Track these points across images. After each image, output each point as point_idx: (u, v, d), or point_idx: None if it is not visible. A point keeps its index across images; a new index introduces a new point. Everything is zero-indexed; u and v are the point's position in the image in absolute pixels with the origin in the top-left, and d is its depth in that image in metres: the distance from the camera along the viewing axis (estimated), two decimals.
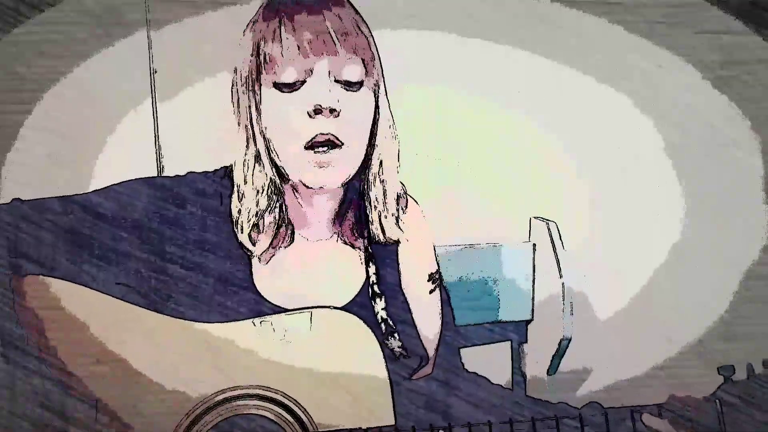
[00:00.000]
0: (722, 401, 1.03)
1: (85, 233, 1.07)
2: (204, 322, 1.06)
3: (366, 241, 1.12)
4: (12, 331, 1.04)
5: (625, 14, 1.24)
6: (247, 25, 1.08)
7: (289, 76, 1.04)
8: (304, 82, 1.04)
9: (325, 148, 1.04)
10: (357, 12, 1.09)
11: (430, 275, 1.16)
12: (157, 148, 1.16)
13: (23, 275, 1.05)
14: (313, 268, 1.11)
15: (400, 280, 1.13)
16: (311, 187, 1.07)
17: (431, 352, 1.13)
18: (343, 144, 1.05)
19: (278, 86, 1.05)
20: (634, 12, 1.24)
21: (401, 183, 1.14)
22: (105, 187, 1.09)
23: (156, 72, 1.16)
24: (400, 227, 1.12)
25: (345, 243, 1.12)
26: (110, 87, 1.15)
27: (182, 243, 1.08)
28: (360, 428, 1.03)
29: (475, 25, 1.21)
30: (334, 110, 1.04)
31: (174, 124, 1.16)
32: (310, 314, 1.06)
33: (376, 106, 1.09)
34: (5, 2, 1.15)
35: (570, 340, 1.20)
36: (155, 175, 1.15)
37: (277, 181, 1.07)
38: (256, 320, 1.06)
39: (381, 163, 1.10)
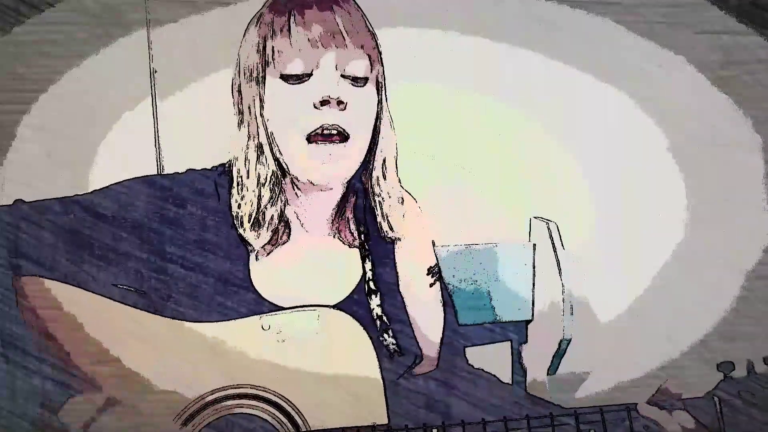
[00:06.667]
0: (721, 399, 1.02)
1: (85, 233, 1.07)
2: (204, 322, 1.06)
3: (363, 237, 1.12)
4: (12, 331, 1.04)
5: (625, 14, 1.24)
6: (251, 20, 1.09)
7: (296, 67, 1.05)
8: (310, 74, 1.05)
9: (330, 141, 1.04)
10: (362, 11, 1.09)
11: (429, 269, 1.16)
12: (157, 147, 1.16)
13: (23, 275, 1.05)
14: (310, 266, 1.11)
15: (397, 278, 1.13)
16: (315, 184, 1.07)
17: (434, 351, 1.13)
18: (349, 136, 1.05)
19: (285, 77, 1.05)
20: (634, 12, 1.24)
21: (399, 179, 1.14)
22: (105, 187, 1.09)
23: (156, 71, 1.16)
24: (401, 223, 1.12)
25: (342, 242, 1.12)
26: (110, 87, 1.15)
27: (182, 243, 1.08)
28: (353, 427, 1.03)
29: (474, 25, 1.21)
30: (342, 102, 1.04)
31: (174, 123, 1.16)
32: (318, 315, 1.06)
33: (379, 103, 1.10)
34: (5, 2, 1.15)
35: (570, 340, 1.20)
36: (155, 174, 1.15)
37: (279, 174, 1.07)
38: (264, 322, 1.06)
39: (384, 160, 1.10)
